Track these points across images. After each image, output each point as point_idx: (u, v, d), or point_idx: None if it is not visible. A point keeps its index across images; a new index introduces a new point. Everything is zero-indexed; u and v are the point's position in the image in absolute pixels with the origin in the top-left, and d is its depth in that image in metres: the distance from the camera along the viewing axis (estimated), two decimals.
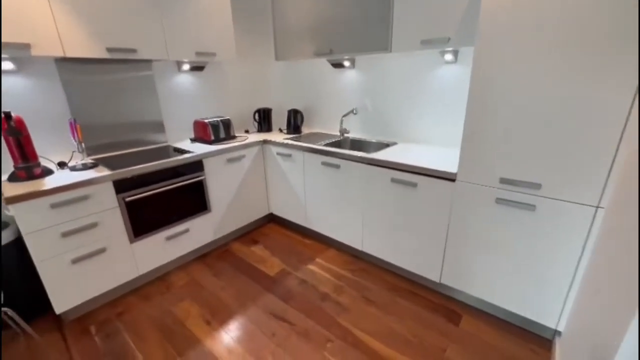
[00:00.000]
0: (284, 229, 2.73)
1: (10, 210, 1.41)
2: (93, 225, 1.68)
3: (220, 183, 2.29)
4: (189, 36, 2.11)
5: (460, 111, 1.97)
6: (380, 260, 2.13)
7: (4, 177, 1.63)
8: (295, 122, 2.72)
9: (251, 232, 2.68)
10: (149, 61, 2.20)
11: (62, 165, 1.80)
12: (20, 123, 1.57)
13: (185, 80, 2.47)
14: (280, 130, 2.83)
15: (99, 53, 1.74)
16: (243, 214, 2.53)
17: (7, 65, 1.66)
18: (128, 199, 1.78)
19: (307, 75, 2.78)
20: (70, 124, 1.69)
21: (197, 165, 2.10)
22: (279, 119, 3.03)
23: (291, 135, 2.62)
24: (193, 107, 2.57)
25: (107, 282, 1.80)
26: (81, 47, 1.67)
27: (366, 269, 2.15)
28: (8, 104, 1.70)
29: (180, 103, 2.48)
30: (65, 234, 1.58)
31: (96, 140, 2.05)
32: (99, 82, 2.01)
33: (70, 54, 1.64)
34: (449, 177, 1.59)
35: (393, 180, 1.82)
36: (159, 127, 2.35)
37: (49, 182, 1.57)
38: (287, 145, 2.35)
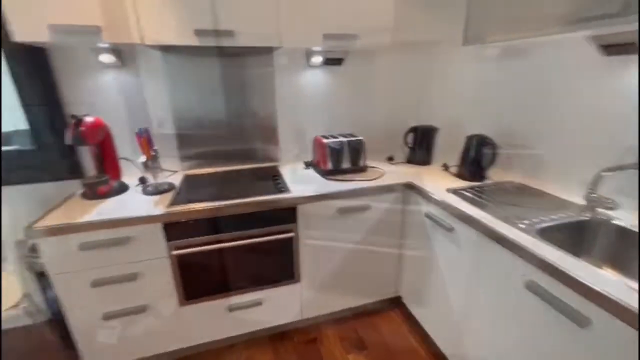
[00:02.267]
0: (412, 331, 1.61)
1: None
2: (131, 277, 1.22)
3: (321, 243, 1.44)
4: (314, 9, 1.32)
5: None
6: None
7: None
8: (477, 157, 1.47)
9: (361, 318, 1.71)
10: (269, 51, 1.58)
11: (143, 181, 1.46)
12: (92, 129, 1.25)
13: (315, 78, 1.73)
14: (445, 168, 1.65)
15: (185, 39, 1.21)
16: (351, 293, 1.60)
17: (109, 58, 1.39)
18: (177, 252, 1.22)
19: (524, 73, 1.41)
20: (137, 135, 1.27)
21: (286, 214, 1.34)
22: (449, 145, 1.80)
23: (465, 184, 1.41)
24: (321, 116, 1.81)
25: (144, 347, 1.36)
26: (162, 32, 1.19)
27: None
28: (108, 101, 1.46)
29: (304, 110, 1.77)
30: (95, 284, 1.18)
31: (194, 149, 1.65)
32: (205, 79, 1.56)
33: (149, 40, 1.19)
34: None
35: None
36: (271, 139, 1.75)
37: (103, 207, 1.21)
38: (449, 209, 1.20)
